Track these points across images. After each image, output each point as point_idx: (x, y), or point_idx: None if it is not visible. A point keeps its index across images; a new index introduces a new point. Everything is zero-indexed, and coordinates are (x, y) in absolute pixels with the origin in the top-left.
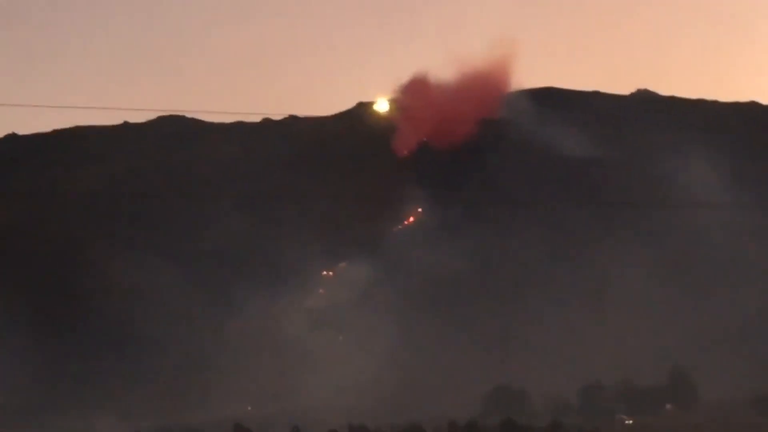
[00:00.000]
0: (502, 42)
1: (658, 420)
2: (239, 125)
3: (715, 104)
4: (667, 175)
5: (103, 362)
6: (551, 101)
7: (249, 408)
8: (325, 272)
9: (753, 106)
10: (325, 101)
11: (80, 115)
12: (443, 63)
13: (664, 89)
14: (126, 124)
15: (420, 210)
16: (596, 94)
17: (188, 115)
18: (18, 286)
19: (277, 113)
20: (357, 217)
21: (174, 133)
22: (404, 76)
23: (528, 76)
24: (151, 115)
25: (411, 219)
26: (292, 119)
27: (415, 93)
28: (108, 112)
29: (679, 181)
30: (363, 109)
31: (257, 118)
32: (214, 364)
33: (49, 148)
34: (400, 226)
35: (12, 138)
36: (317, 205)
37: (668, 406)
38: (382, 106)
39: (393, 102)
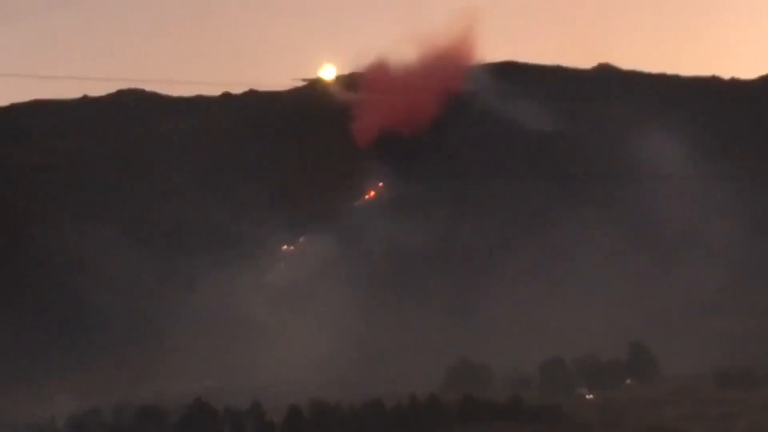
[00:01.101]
0: (465, 14)
1: (619, 395)
2: (199, 99)
3: (676, 78)
4: (629, 148)
5: (55, 337)
6: (512, 75)
7: (209, 383)
8: (285, 247)
9: (713, 81)
10: (285, 75)
11: (39, 88)
12: (403, 38)
13: (625, 63)
14: (85, 98)
15: (381, 184)
16: (557, 69)
17: (148, 88)
18: None
19: (237, 86)
20: (317, 192)
21: (133, 106)
22: (366, 49)
23: (488, 50)
24: (111, 89)
25: (372, 193)
26: (252, 93)
27: (375, 82)
28: (67, 85)
29: (640, 154)
30: (323, 83)
31: (217, 92)
32: (172, 340)
33: (7, 121)
34: (360, 201)
35: None
36: (277, 179)
37: (629, 380)
38: (340, 79)
39: (353, 77)
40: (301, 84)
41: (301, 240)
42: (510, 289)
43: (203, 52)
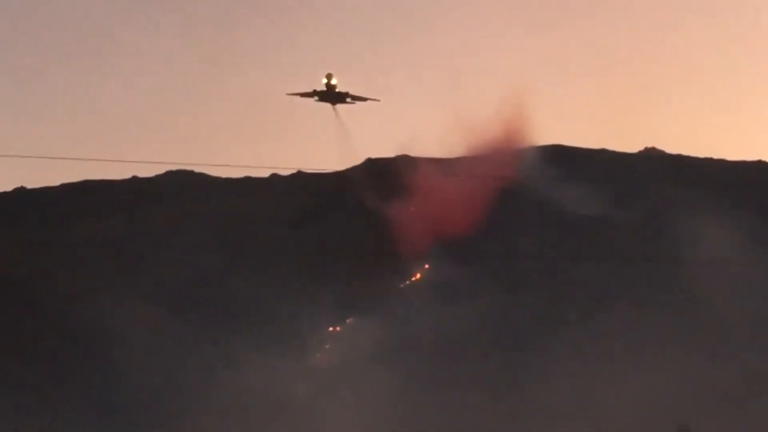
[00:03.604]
0: (516, 96)
1: None
2: (247, 180)
3: (722, 162)
4: (676, 233)
5: (96, 415)
6: (558, 159)
7: None
8: (331, 328)
9: (760, 165)
10: (333, 157)
11: (88, 169)
12: (451, 124)
13: (671, 147)
14: (134, 179)
15: (427, 266)
16: (603, 152)
17: (196, 169)
18: (23, 337)
19: (285, 168)
20: (364, 273)
21: (182, 187)
22: (412, 132)
23: (535, 133)
24: (160, 170)
25: (418, 275)
26: (300, 174)
27: (423, 178)
28: (116, 166)
29: (688, 238)
30: (372, 164)
31: (265, 173)
32: (213, 420)
33: (57, 201)
34: (407, 282)
35: (20, 191)
36: (324, 259)
37: None
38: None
39: (403, 159)
40: (350, 166)
41: (348, 321)
42: (558, 373)
43: (251, 134)
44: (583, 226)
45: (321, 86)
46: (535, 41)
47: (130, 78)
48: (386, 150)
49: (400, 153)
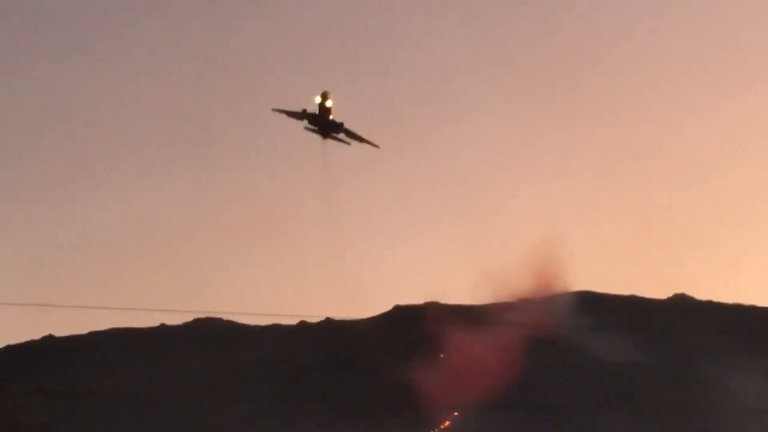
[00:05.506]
0: (546, 243)
1: None
2: (275, 327)
3: (752, 309)
4: (706, 380)
5: None
6: (588, 306)
7: None
8: None
9: None
10: (361, 304)
11: (116, 317)
12: (481, 268)
13: (701, 293)
14: (162, 326)
15: (456, 414)
16: (633, 299)
17: (225, 317)
18: None
19: (313, 316)
20: (392, 420)
21: (210, 335)
22: (441, 279)
23: (564, 279)
24: (188, 318)
25: (446, 423)
26: (328, 322)
27: (451, 341)
28: (144, 314)
29: (718, 386)
30: (400, 312)
31: (293, 321)
32: None
33: (85, 349)
34: (435, 430)
35: (48, 339)
36: (351, 408)
37: None
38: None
39: (432, 306)
40: (378, 313)
41: None
42: None
43: (279, 282)
44: (613, 374)
45: (313, 106)
46: (563, 188)
47: (157, 228)
48: (415, 296)
49: (429, 300)
